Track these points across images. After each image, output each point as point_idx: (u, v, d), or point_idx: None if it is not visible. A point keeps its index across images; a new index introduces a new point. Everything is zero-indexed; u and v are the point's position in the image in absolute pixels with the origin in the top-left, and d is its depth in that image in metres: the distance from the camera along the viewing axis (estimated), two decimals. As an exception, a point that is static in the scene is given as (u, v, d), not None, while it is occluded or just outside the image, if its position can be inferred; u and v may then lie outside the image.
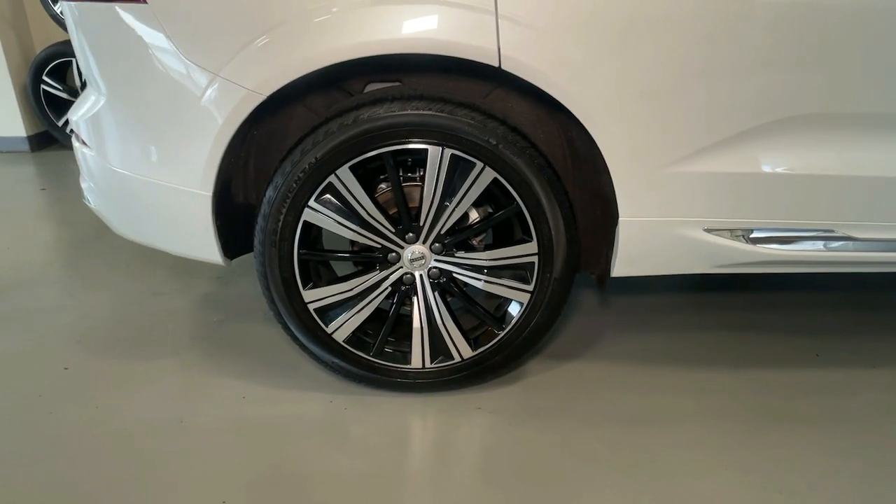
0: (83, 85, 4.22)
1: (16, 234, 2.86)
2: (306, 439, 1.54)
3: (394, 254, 1.55)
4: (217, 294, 2.26)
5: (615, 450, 1.50)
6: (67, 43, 3.96)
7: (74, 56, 4.11)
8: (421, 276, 1.58)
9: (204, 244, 1.56)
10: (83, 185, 1.73)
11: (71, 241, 2.76)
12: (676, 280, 2.35)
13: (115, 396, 1.70)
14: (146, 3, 1.34)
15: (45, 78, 4.04)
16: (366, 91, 1.50)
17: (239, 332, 2.01)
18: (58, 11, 3.86)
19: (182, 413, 1.64)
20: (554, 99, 1.37)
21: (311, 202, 1.47)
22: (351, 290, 1.57)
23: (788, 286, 2.28)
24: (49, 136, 4.29)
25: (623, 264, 1.56)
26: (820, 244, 1.50)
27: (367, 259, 1.58)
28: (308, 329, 1.60)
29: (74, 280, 2.38)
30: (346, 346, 1.63)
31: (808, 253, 1.50)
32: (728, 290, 2.26)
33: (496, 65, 1.33)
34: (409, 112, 1.39)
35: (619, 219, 1.48)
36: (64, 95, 4.11)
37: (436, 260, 1.56)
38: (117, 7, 1.36)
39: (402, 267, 1.57)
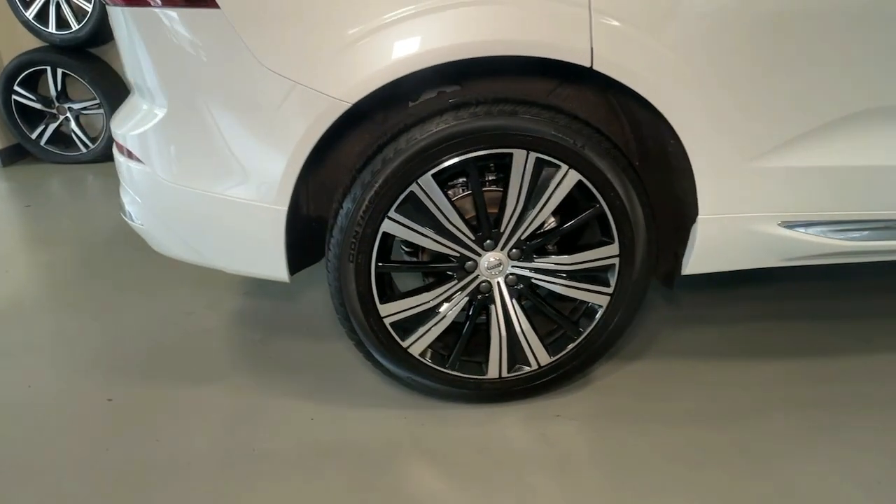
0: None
1: (10, 256, 2.67)
2: (394, 460, 1.48)
3: (471, 262, 1.50)
4: (250, 310, 2.16)
5: (703, 447, 1.50)
6: (40, 50, 3.73)
7: (49, 64, 3.92)
8: (498, 283, 1.54)
9: (272, 261, 1.47)
10: (125, 200, 1.61)
11: (73, 261, 2.59)
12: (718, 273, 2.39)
13: (173, 427, 1.60)
14: (218, 7, 1.26)
15: (16, 88, 3.79)
16: (427, 98, 1.45)
17: (284, 350, 1.92)
18: (29, 17, 3.62)
19: (251, 440, 1.55)
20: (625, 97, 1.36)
21: (391, 212, 1.41)
22: (429, 301, 1.51)
23: (826, 275, 2.34)
24: (21, 149, 4.03)
25: (697, 262, 1.55)
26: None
27: (444, 269, 1.53)
28: (384, 344, 1.53)
29: (90, 303, 2.23)
30: (422, 359, 1.57)
31: (883, 243, 1.53)
32: (766, 281, 2.30)
33: (587, 64, 1.30)
34: (495, 116, 1.34)
35: (699, 216, 1.47)
36: (37, 106, 3.86)
37: (513, 266, 1.52)
38: (184, 13, 1.27)
39: (478, 275, 1.52)
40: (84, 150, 3.94)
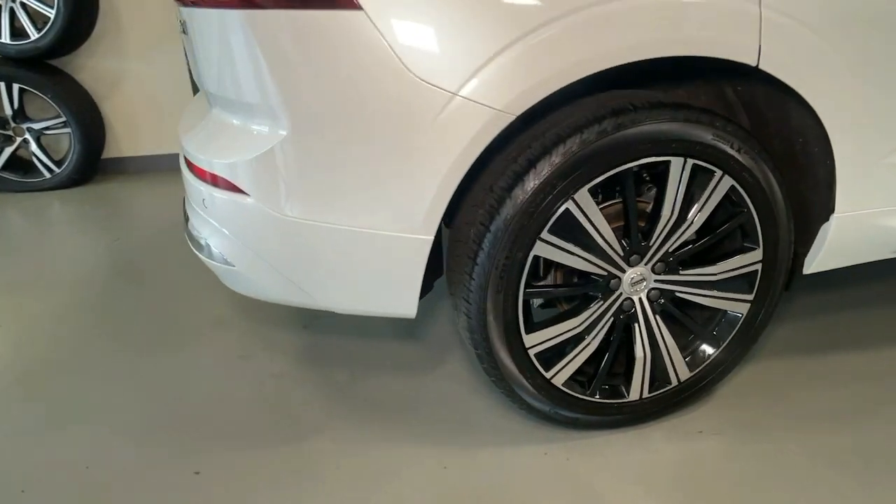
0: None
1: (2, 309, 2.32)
2: (556, 502, 1.35)
3: (615, 279, 1.38)
4: (318, 347, 1.95)
5: (860, 449, 1.45)
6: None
7: (2, 80, 3.46)
8: (640, 299, 1.43)
9: (405, 297, 1.30)
10: (205, 236, 1.39)
11: (72, 308, 2.26)
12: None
13: (286, 498, 1.39)
14: (361, 9, 1.07)
15: (-38, 109, 3.33)
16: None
17: (378, 390, 1.73)
18: None
19: (387, 499, 1.37)
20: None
21: (544, 233, 1.27)
22: (577, 326, 1.38)
23: None
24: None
25: (823, 260, 1.51)
26: None
27: (589, 290, 1.41)
28: (528, 378, 1.39)
29: (119, 358, 1.95)
30: (565, 389, 1.44)
31: None
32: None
33: (754, 63, 1.21)
34: (658, 122, 1.23)
35: (834, 214, 1.42)
36: (-14, 128, 3.42)
37: (656, 280, 1.42)
38: (317, 17, 1.08)
39: (621, 293, 1.40)
40: (48, 175, 3.52)
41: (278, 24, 1.09)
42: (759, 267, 1.44)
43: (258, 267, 1.33)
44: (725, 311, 1.51)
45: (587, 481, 1.40)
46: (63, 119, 3.43)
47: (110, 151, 3.80)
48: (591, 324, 1.40)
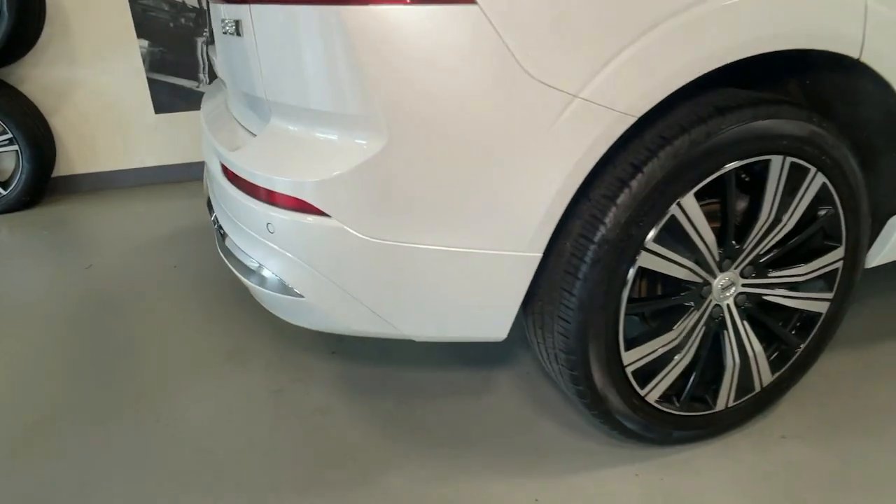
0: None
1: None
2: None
3: (707, 286, 1.32)
4: (350, 373, 1.78)
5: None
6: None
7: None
8: (728, 305, 1.37)
9: (500, 320, 1.18)
10: (272, 269, 1.21)
11: (51, 345, 2.00)
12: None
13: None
14: (475, 2, 0.94)
15: None
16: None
17: (433, 416, 1.59)
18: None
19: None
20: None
21: (649, 242, 1.18)
22: (674, 339, 1.30)
23: None
24: None
25: (889, 253, 1.51)
26: None
27: (685, 299, 1.33)
28: (623, 396, 1.30)
29: (132, 400, 1.72)
30: (658, 406, 1.36)
31: None
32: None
33: (856, 56, 1.17)
34: (763, 118, 1.17)
35: None
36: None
37: (744, 285, 1.36)
38: (425, 12, 0.94)
39: (711, 300, 1.34)
40: (-8, 198, 3.15)
41: (381, 20, 0.95)
42: (839, 265, 1.41)
43: (333, 296, 1.18)
44: (803, 310, 1.47)
45: (689, 500, 1.33)
46: (8, 136, 3.07)
47: (61, 169, 3.45)
48: (686, 335, 1.32)
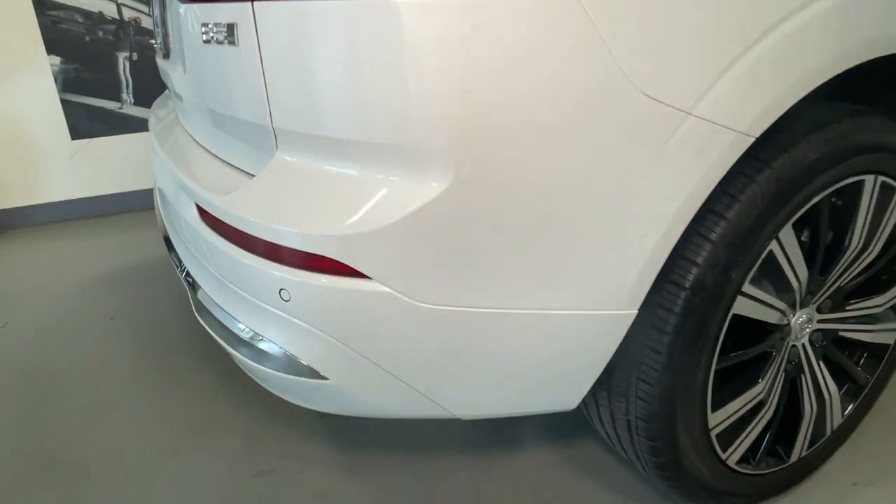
0: None
1: None
2: None
3: (787, 326, 1.15)
4: (347, 442, 1.48)
5: None
6: None
7: None
8: (804, 345, 1.20)
9: (576, 387, 0.95)
10: (287, 348, 0.92)
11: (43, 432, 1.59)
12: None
13: None
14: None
15: None
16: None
17: (468, 494, 1.33)
18: None
19: None
20: None
21: (746, 285, 0.99)
22: (760, 392, 1.12)
23: None
24: None
25: None
26: None
27: (768, 345, 1.14)
28: (706, 463, 1.10)
29: (80, 489, 1.36)
30: (738, 469, 1.17)
31: None
32: None
33: None
34: (868, 132, 1.01)
35: None
36: None
37: (819, 321, 1.20)
38: (507, 4, 0.70)
39: (789, 341, 1.17)
40: None
41: (454, 18, 0.71)
42: (915, 290, 1.29)
43: (368, 377, 0.91)
44: (870, 342, 1.34)
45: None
46: None
47: (-43, 207, 2.93)
48: (770, 385, 1.15)
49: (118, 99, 3.01)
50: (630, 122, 0.78)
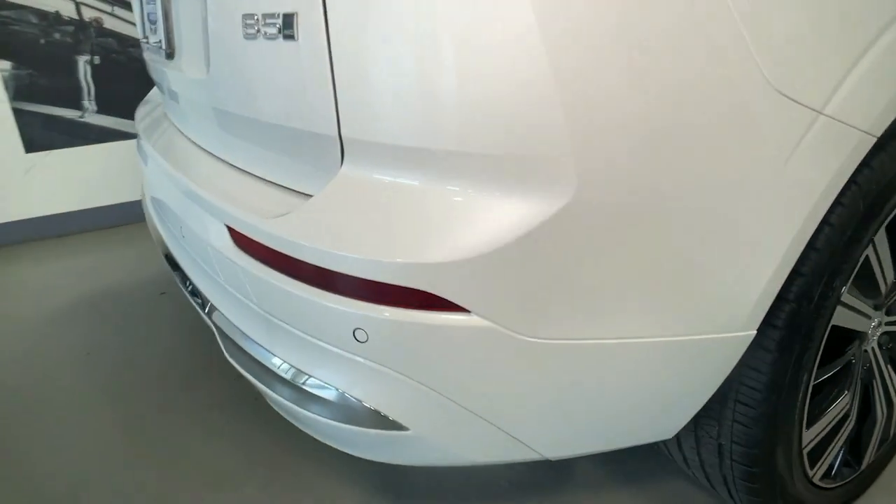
0: None
1: None
2: None
3: (866, 332, 1.09)
4: (393, 484, 1.36)
5: None
6: None
7: None
8: (873, 349, 1.15)
9: (683, 415, 0.86)
10: (361, 397, 0.79)
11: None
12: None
13: None
14: None
15: None
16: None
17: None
18: None
19: None
20: None
21: (844, 294, 0.92)
22: (847, 403, 1.05)
23: None
24: None
25: None
26: None
27: (850, 354, 1.08)
28: (801, 486, 1.03)
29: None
30: (821, 485, 1.10)
31: None
32: None
33: None
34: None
35: None
36: None
37: (886, 323, 1.15)
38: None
39: (863, 347, 1.11)
40: None
41: (585, 15, 0.60)
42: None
43: (454, 424, 0.79)
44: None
45: None
46: None
47: None
48: (853, 395, 1.09)
49: (79, 107, 2.76)
50: (769, 121, 0.69)
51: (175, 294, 2.21)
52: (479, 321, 0.70)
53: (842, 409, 1.05)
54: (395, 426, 0.79)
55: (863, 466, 1.21)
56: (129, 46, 2.75)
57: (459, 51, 0.63)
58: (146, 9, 1.26)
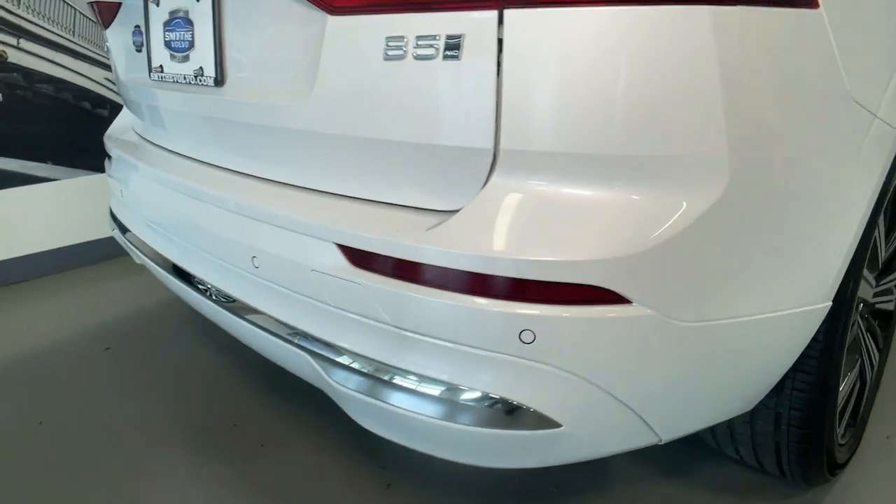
0: None
1: None
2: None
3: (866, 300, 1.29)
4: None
5: None
6: None
7: None
8: (857, 321, 1.35)
9: (765, 387, 0.97)
10: (519, 398, 0.81)
11: None
12: None
13: None
14: (818, 6, 0.74)
15: None
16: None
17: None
18: None
19: None
20: None
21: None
22: (855, 367, 1.23)
23: None
24: None
25: None
26: None
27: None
28: (836, 447, 1.19)
29: None
30: (841, 443, 1.27)
31: None
32: None
33: None
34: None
35: None
36: None
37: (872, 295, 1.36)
38: (767, 15, 0.71)
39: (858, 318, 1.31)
40: None
41: (754, 23, 0.71)
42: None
43: (601, 414, 0.83)
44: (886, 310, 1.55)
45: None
46: None
47: None
48: (862, 357, 1.27)
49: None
50: (845, 123, 0.84)
51: (118, 349, 2.01)
52: (640, 310, 0.77)
53: (858, 375, 1.23)
54: (550, 424, 0.82)
55: (858, 421, 1.41)
56: (38, 82, 2.50)
57: (633, 68, 0.71)
58: (165, 37, 1.20)
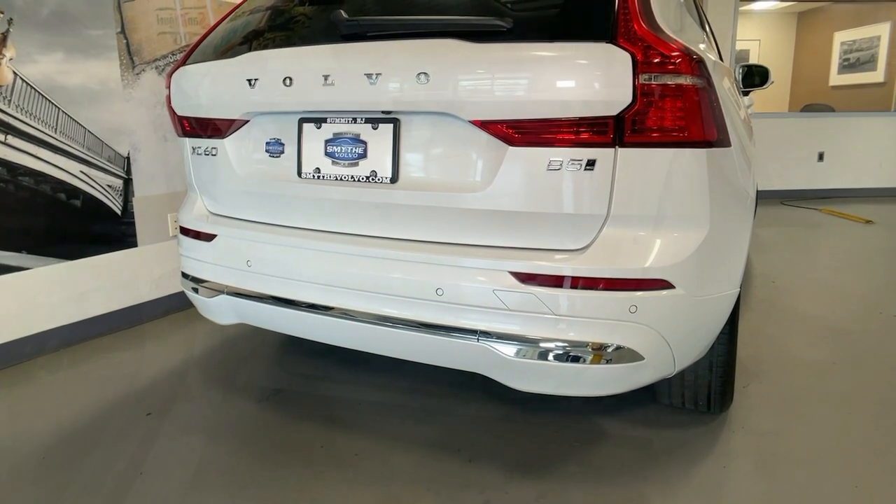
0: None
1: None
2: None
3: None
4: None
5: None
6: None
7: None
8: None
9: (711, 341, 1.78)
10: (632, 346, 1.50)
11: None
12: None
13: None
14: (730, 146, 1.61)
15: None
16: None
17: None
18: None
19: None
20: None
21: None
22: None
23: None
24: None
25: None
26: None
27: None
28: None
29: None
30: (732, 381, 2.13)
31: None
32: None
33: None
34: None
35: None
36: None
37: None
38: (718, 152, 1.56)
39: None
40: None
41: (720, 155, 1.56)
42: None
43: (661, 351, 1.56)
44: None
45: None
46: None
47: None
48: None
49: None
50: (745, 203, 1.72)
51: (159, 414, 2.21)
52: (678, 291, 1.54)
53: (736, 338, 2.14)
54: (639, 358, 1.54)
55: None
56: (20, 175, 2.60)
57: (667, 178, 1.50)
58: (327, 149, 1.72)
